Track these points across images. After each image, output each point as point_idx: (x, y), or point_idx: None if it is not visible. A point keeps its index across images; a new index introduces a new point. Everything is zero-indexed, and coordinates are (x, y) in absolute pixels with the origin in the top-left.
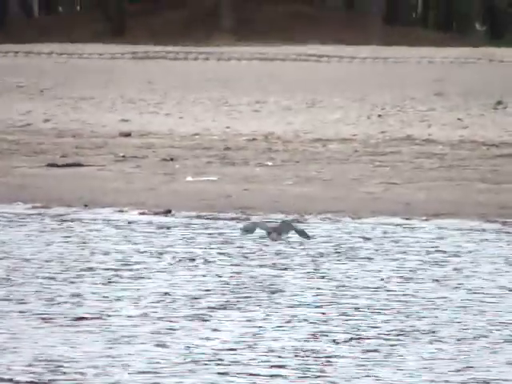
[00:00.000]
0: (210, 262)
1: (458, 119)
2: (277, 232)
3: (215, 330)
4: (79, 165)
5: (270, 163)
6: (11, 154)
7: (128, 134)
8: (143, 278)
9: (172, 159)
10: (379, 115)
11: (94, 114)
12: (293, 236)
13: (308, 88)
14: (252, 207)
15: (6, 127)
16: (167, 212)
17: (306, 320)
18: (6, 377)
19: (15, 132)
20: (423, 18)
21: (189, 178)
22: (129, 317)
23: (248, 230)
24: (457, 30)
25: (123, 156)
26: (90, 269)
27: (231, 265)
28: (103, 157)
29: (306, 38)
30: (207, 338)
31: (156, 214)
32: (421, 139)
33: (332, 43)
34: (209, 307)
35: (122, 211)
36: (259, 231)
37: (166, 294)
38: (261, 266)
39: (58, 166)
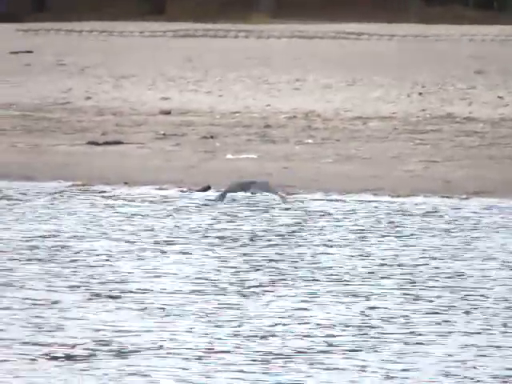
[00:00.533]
0: (253, 239)
1: (499, 97)
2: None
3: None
4: (119, 143)
5: (309, 141)
6: (52, 132)
7: (168, 112)
8: (189, 253)
9: (212, 137)
10: (420, 93)
11: (134, 91)
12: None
13: (348, 66)
14: (291, 185)
15: (47, 105)
16: (206, 189)
17: (355, 295)
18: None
19: (56, 110)
20: None
21: (229, 156)
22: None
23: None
24: (498, 8)
25: (163, 134)
26: (133, 243)
27: (273, 244)
28: (143, 135)
29: (344, 16)
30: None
31: (196, 191)
32: (461, 117)
33: (371, 21)
34: (260, 283)
35: (161, 189)
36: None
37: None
38: (301, 244)
39: (98, 143)
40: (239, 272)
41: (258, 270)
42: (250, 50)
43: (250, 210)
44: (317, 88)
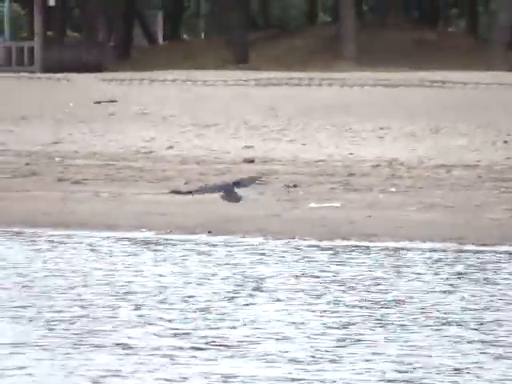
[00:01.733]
0: (339, 289)
1: None
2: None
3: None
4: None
5: (393, 189)
6: (135, 181)
7: (251, 161)
8: (279, 300)
9: (295, 185)
10: (504, 141)
11: (217, 140)
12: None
13: (432, 114)
14: (375, 233)
15: (130, 154)
16: (290, 238)
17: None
18: None
19: (139, 159)
20: None
21: (312, 204)
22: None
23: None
24: None
25: None
26: (231, 292)
27: (358, 291)
28: None
29: (429, 64)
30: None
31: (279, 240)
32: None
33: (456, 69)
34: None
35: (244, 237)
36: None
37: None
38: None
39: (181, 192)
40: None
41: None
42: (334, 98)
43: (339, 259)
44: (400, 136)
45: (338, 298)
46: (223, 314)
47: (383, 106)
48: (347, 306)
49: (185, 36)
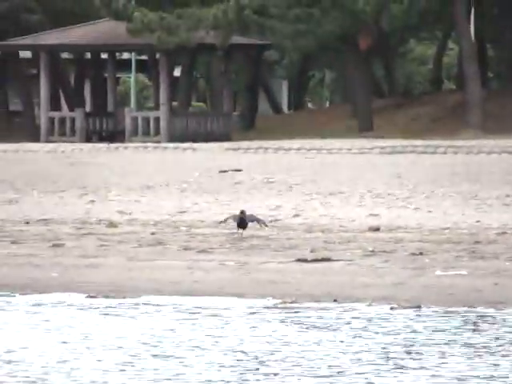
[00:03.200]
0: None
1: None
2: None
3: None
4: (328, 260)
5: None
6: (261, 249)
7: (377, 229)
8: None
9: (421, 253)
10: None
11: (342, 208)
12: None
13: None
14: (503, 302)
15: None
16: (417, 307)
17: None
18: None
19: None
20: None
21: (438, 272)
22: None
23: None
24: None
25: (372, 250)
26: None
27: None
28: (352, 251)
29: None
30: None
31: (406, 308)
32: None
33: None
34: None
35: (370, 305)
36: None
37: None
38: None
39: (307, 261)
40: None
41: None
42: (459, 166)
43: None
44: None
45: None
46: None
47: (509, 173)
48: None
49: (309, 105)
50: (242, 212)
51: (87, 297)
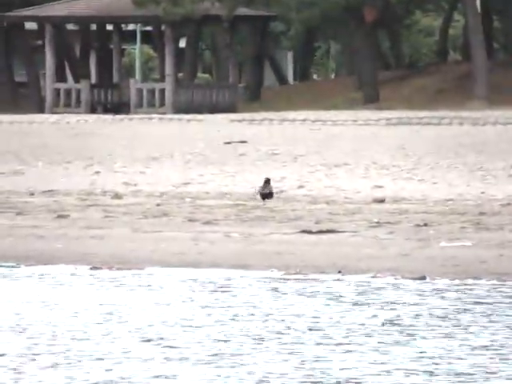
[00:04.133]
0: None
1: None
2: None
3: None
4: (333, 231)
5: None
6: (265, 221)
7: (382, 200)
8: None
9: (426, 225)
10: None
11: (347, 180)
12: None
13: None
14: (508, 273)
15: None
16: (421, 278)
17: None
18: None
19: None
20: None
21: (443, 244)
22: None
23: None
24: None
25: (377, 222)
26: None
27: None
28: (357, 223)
29: None
30: None
31: (410, 279)
32: None
33: None
34: None
35: (375, 277)
36: None
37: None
38: None
39: (311, 232)
40: None
41: None
42: (465, 137)
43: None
44: None
45: None
46: None
47: None
48: None
49: (315, 76)
50: (268, 181)
51: (91, 268)
